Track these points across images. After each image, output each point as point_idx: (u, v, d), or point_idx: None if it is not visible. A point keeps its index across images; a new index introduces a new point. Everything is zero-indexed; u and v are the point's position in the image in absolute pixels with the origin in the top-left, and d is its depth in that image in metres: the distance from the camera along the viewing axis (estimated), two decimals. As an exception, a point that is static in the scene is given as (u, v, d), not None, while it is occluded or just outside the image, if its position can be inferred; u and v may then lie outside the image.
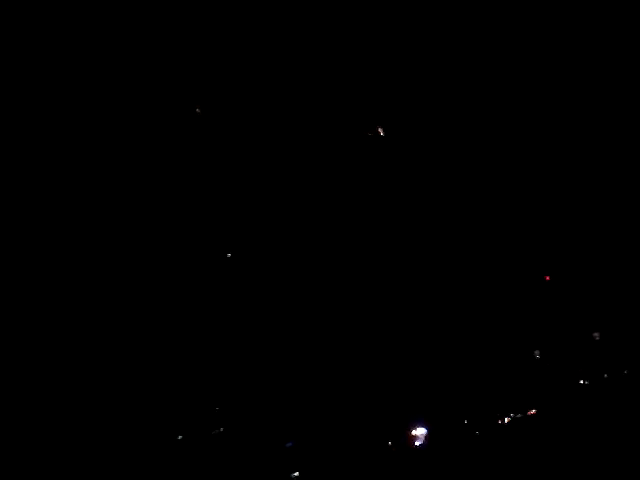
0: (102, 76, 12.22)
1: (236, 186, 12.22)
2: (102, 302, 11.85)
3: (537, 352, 10.92)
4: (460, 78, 12.34)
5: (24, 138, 12.02)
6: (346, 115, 12.27)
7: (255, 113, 12.21)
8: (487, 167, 11.65)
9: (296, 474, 10.43)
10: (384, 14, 12.21)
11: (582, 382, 10.73)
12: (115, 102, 12.29)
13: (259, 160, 12.24)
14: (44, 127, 12.09)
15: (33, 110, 12.08)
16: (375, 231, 11.71)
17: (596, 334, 10.98)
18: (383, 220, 11.76)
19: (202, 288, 11.85)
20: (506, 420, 10.59)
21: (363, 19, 12.16)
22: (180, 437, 10.64)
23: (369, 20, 12.17)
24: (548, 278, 11.42)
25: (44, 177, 12.08)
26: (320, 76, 12.40)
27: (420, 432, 10.60)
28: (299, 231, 11.93)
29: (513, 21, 12.02)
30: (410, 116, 12.18)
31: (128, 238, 12.21)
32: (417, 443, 10.59)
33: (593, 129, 11.93)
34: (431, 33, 12.17)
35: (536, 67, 12.17)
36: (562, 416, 10.66)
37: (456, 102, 12.14)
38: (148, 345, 11.58)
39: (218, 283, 11.90)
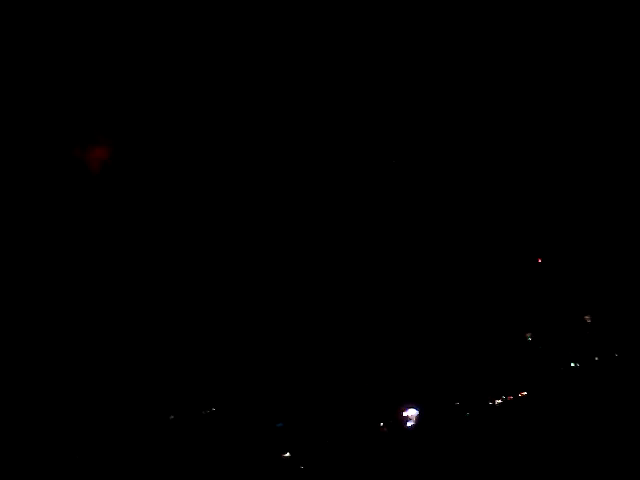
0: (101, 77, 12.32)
1: (235, 188, 12.25)
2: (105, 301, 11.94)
3: (529, 334, 10.97)
4: (462, 79, 12.38)
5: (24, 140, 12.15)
6: (347, 116, 12.30)
7: (257, 116, 12.25)
8: (481, 156, 11.67)
9: (287, 454, 10.50)
10: (387, 15, 12.23)
11: (573, 364, 10.79)
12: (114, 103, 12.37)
13: (259, 162, 12.27)
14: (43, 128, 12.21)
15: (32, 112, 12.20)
16: (373, 213, 11.73)
17: (587, 317, 11.04)
18: (381, 202, 11.78)
19: (203, 287, 11.88)
20: (497, 402, 10.64)
21: (367, 21, 12.19)
22: (172, 417, 10.71)
23: (371, 21, 12.19)
24: (540, 260, 11.46)
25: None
26: (321, 76, 12.42)
27: (411, 413, 10.66)
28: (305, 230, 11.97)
29: (514, 21, 12.07)
30: (412, 117, 12.19)
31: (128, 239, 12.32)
32: (408, 424, 10.65)
33: (589, 124, 11.96)
34: (432, 34, 12.20)
35: (538, 68, 12.21)
36: (553, 398, 10.71)
37: (461, 102, 12.17)
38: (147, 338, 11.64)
39: (218, 282, 11.93)
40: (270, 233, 11.38)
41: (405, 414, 10.61)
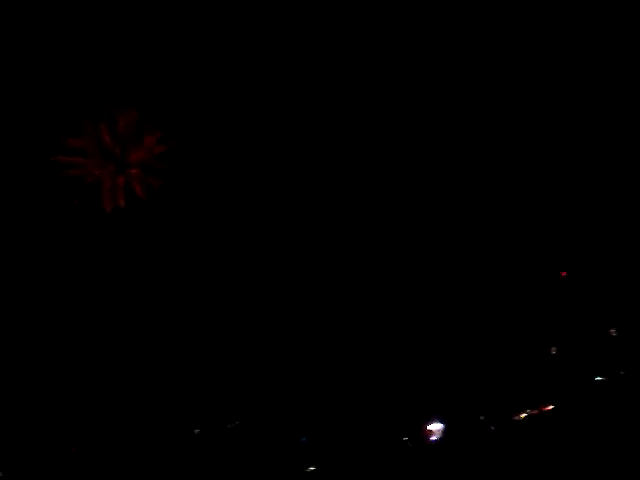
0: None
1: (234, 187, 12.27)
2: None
3: (553, 348, 10.90)
4: (465, 79, 12.33)
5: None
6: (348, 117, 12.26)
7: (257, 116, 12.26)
8: (508, 162, 11.60)
9: (312, 468, 10.48)
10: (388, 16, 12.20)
11: (598, 379, 10.70)
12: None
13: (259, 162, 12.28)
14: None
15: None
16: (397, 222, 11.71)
17: (613, 330, 10.96)
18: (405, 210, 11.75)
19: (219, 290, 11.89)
20: (522, 416, 10.58)
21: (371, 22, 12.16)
22: (197, 431, 10.73)
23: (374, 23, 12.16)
24: (564, 274, 11.39)
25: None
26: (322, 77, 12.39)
27: (436, 428, 10.61)
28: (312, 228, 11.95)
29: (514, 22, 12.02)
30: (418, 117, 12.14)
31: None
32: (433, 438, 10.60)
33: (610, 130, 11.87)
34: (433, 35, 12.16)
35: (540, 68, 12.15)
36: (578, 413, 10.62)
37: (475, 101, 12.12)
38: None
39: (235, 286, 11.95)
40: (275, 233, 11.39)
41: (430, 428, 10.58)
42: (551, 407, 10.60)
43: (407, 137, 11.58)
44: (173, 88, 11.81)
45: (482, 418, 10.54)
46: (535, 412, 10.59)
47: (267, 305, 11.11)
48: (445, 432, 10.49)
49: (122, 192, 12.11)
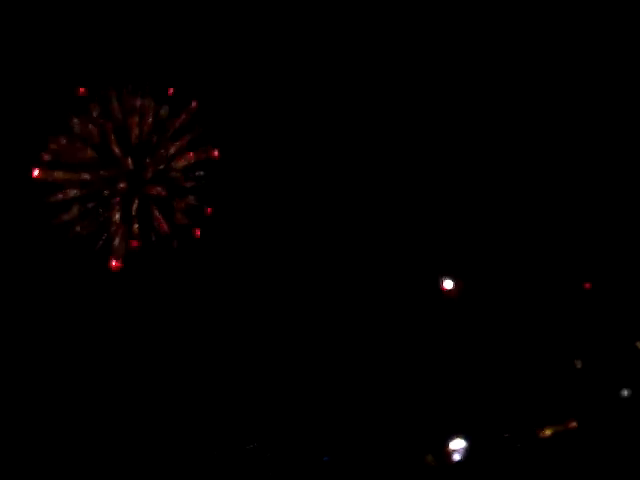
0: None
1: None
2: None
3: (578, 362, 10.70)
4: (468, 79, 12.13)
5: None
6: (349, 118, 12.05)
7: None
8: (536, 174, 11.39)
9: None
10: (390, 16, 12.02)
11: (624, 393, 10.50)
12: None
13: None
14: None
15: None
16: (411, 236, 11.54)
17: (639, 343, 10.75)
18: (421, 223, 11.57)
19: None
20: (547, 433, 10.38)
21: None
22: (217, 453, 10.59)
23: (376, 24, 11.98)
24: (589, 286, 11.18)
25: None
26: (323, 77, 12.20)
27: (459, 445, 10.42)
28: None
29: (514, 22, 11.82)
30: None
31: None
32: (457, 456, 10.41)
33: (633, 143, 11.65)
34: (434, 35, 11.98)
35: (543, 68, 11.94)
36: (604, 428, 10.42)
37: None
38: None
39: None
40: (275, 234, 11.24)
41: (453, 446, 10.41)
42: (576, 423, 10.41)
43: (415, 138, 11.45)
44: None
45: (507, 435, 10.36)
46: (561, 428, 10.40)
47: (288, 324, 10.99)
48: (469, 450, 10.31)
49: (136, 226, 11.23)
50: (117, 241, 10.99)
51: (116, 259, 10.87)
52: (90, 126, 11.47)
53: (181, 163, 11.35)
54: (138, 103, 11.32)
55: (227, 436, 10.52)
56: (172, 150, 11.25)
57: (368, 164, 11.59)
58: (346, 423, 10.60)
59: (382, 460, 10.40)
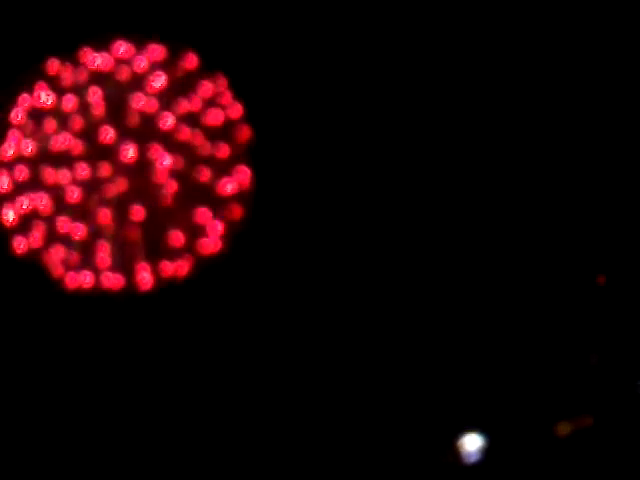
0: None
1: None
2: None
3: (594, 357, 10.58)
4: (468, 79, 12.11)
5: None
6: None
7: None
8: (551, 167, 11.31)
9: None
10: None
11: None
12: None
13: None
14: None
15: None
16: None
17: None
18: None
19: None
20: (564, 431, 10.24)
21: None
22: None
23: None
24: (603, 280, 11.05)
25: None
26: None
27: (475, 443, 10.28)
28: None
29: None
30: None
31: None
32: (472, 455, 10.26)
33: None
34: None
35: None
36: (621, 424, 10.30)
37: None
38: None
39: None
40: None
41: (469, 443, 10.26)
42: (592, 420, 10.28)
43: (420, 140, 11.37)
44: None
45: (522, 433, 10.21)
46: (577, 425, 10.27)
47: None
48: (484, 448, 10.17)
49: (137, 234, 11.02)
50: None
51: None
52: None
53: None
54: None
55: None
56: None
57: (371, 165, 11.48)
58: (358, 421, 10.46)
59: (396, 456, 10.25)
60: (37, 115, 10.82)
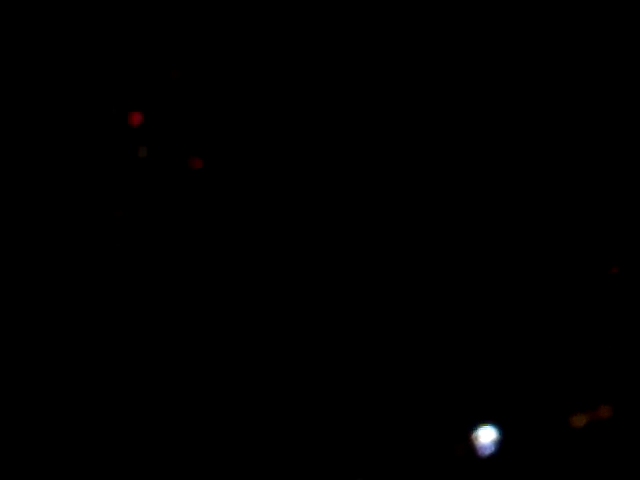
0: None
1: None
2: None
3: (610, 347, 10.27)
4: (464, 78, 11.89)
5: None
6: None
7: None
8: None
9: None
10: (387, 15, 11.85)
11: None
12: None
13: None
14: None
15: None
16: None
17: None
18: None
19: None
20: (582, 423, 9.90)
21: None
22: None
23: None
24: (616, 270, 10.72)
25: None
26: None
27: (489, 435, 9.94)
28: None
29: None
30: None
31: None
32: (486, 448, 9.91)
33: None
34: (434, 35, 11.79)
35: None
36: (637, 416, 9.96)
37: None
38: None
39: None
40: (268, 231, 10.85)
41: (481, 435, 9.90)
42: (610, 412, 9.93)
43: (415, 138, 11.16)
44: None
45: (537, 425, 9.86)
46: (594, 416, 9.92)
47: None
48: (499, 440, 9.82)
49: None
50: None
51: None
52: None
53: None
54: None
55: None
56: None
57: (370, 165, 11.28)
58: (371, 416, 10.13)
59: (408, 450, 9.90)
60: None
